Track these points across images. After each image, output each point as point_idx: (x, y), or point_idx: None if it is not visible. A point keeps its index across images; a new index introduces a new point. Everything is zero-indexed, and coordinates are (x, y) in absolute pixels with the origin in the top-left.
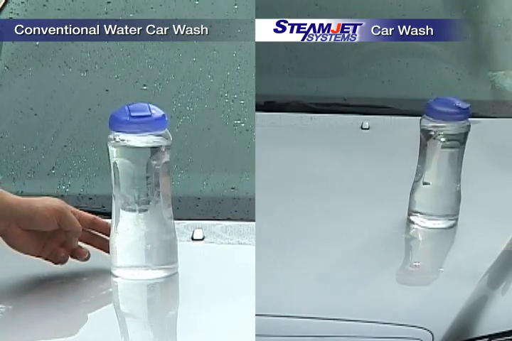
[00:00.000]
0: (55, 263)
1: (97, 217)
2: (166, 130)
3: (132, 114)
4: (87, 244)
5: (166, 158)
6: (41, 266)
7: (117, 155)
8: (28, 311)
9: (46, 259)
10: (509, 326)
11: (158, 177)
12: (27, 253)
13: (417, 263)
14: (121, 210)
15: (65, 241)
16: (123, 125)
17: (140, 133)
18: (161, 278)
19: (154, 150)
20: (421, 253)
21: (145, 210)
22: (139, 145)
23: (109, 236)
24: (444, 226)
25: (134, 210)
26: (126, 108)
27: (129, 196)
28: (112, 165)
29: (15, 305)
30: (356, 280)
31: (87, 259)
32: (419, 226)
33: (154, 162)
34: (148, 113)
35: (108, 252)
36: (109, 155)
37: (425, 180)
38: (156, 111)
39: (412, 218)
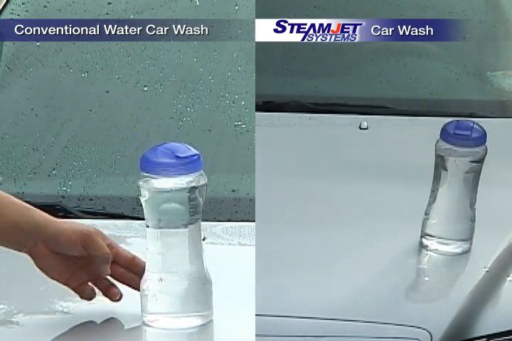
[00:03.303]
0: (81, 298)
1: (136, 256)
2: None
3: (179, 154)
4: (119, 281)
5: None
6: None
7: (164, 199)
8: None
9: (73, 290)
10: (507, 326)
11: (200, 216)
12: (53, 278)
13: None
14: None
15: (97, 278)
16: (176, 167)
17: (192, 172)
18: (195, 327)
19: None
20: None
21: (182, 252)
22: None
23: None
24: (457, 251)
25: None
26: (167, 150)
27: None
28: (150, 208)
29: None
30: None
31: (118, 300)
32: (431, 250)
33: (200, 199)
34: (195, 152)
35: (134, 288)
36: (143, 197)
37: (439, 204)
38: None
39: (424, 241)
